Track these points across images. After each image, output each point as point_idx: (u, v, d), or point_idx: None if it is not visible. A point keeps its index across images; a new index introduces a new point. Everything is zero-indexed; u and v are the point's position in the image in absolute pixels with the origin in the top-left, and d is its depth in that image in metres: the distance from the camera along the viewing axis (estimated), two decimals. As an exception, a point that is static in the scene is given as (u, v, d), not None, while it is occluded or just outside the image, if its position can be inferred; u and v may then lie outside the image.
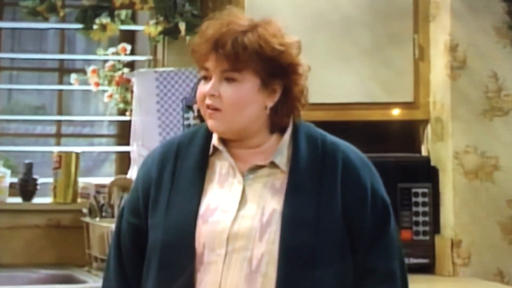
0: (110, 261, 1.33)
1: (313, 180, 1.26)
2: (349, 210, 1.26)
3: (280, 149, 1.29)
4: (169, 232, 1.25)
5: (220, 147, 1.29)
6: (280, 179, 1.27)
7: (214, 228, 1.25)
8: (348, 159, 1.28)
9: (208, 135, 1.30)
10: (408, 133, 2.54)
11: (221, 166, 1.29)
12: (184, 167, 1.29)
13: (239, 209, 1.25)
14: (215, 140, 1.29)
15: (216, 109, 1.25)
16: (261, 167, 1.28)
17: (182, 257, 1.24)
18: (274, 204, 1.25)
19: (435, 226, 2.37)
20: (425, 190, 2.36)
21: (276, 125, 1.29)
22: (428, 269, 2.36)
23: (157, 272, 1.25)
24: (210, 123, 1.27)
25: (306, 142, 1.29)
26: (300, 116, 1.30)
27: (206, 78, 1.27)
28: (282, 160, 1.28)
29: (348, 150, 1.30)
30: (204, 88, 1.27)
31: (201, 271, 1.24)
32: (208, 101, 1.26)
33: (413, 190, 2.36)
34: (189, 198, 1.26)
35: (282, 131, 1.30)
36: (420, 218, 2.36)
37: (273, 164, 1.28)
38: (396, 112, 2.43)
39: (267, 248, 1.23)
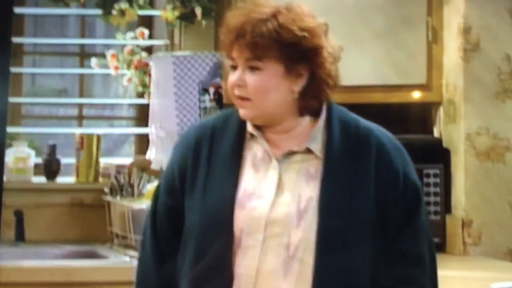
0: (146, 239, 1.33)
1: (347, 166, 1.27)
2: (381, 195, 1.27)
3: (315, 135, 1.28)
4: (206, 216, 1.26)
5: (255, 132, 1.29)
6: (315, 166, 1.27)
7: (251, 214, 1.26)
8: (381, 145, 1.29)
9: (242, 119, 1.31)
10: (421, 115, 2.56)
11: (256, 151, 1.29)
12: (220, 150, 1.29)
13: (275, 195, 1.26)
14: (249, 126, 1.30)
15: (244, 98, 1.27)
16: (295, 152, 1.28)
17: (220, 240, 1.25)
18: (310, 191, 1.26)
19: (446, 206, 2.38)
20: (437, 171, 2.38)
21: (304, 108, 1.28)
22: (439, 248, 2.35)
23: (194, 254, 1.26)
24: (241, 112, 1.29)
25: (339, 127, 1.28)
26: (329, 98, 1.29)
27: (234, 68, 1.29)
28: (317, 146, 1.28)
29: (382, 135, 1.30)
30: (231, 78, 1.29)
31: (238, 255, 1.25)
32: (236, 92, 1.28)
33: (425, 171, 2.38)
34: (226, 182, 1.27)
35: (313, 114, 1.30)
36: (432, 199, 2.39)
37: (307, 150, 1.28)
38: (409, 94, 2.46)
39: (304, 235, 1.24)
